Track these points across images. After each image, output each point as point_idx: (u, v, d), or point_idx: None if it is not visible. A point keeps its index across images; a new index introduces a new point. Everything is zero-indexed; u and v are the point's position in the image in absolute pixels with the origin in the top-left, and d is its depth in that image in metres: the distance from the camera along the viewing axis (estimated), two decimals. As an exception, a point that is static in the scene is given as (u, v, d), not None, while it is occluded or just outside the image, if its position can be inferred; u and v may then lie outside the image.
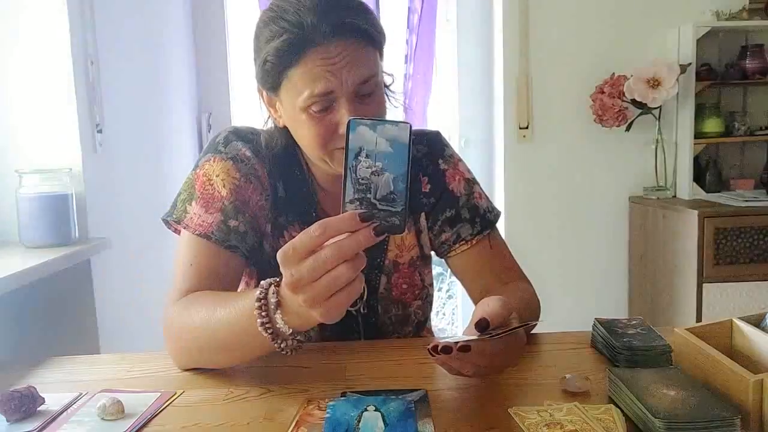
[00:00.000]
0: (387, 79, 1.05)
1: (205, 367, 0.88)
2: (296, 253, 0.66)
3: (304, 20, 0.88)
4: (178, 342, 0.89)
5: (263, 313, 0.74)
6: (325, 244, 0.66)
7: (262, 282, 0.75)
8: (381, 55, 0.99)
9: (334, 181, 1.05)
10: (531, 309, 1.02)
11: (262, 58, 0.94)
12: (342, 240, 0.65)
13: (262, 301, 0.74)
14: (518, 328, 0.77)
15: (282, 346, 0.75)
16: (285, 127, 1.00)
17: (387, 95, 1.06)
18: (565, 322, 1.27)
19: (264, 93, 1.00)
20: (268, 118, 1.05)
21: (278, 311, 0.73)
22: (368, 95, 0.93)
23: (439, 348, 0.74)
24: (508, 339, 0.76)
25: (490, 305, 0.78)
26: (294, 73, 0.91)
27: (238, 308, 0.78)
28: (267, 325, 0.74)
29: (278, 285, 0.74)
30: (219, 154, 1.00)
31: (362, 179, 0.66)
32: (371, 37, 0.93)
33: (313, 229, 0.65)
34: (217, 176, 0.98)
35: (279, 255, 0.67)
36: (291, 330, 0.74)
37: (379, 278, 1.07)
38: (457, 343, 0.73)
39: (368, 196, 0.66)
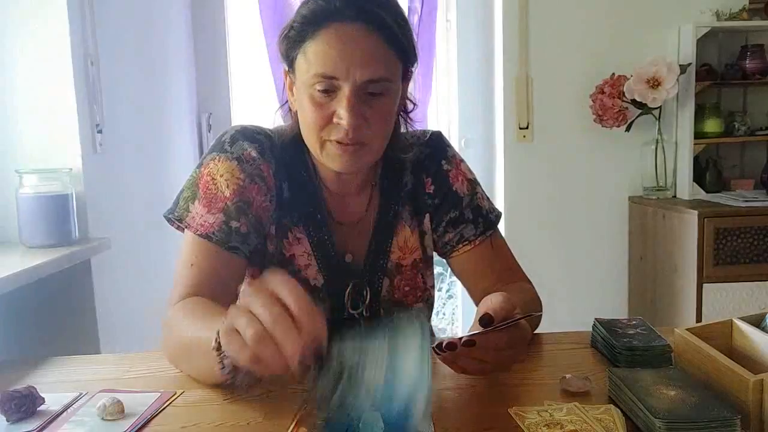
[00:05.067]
0: (408, 105, 1.05)
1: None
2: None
3: None
4: (166, 348, 0.90)
5: (221, 365, 0.72)
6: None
7: (218, 329, 0.71)
8: (406, 73, 0.99)
9: (339, 181, 1.05)
10: (533, 308, 1.02)
11: (287, 26, 0.95)
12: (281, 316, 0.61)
13: (220, 359, 0.71)
14: (521, 318, 0.77)
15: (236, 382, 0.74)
16: (296, 114, 1.00)
17: (405, 120, 1.06)
18: (565, 322, 1.27)
19: (287, 75, 1.01)
20: (279, 108, 1.06)
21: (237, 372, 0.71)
22: (376, 97, 0.92)
23: (444, 345, 0.74)
24: (512, 333, 0.77)
25: (493, 301, 0.79)
26: (310, 45, 0.91)
27: (204, 347, 0.74)
28: (230, 378, 0.73)
29: None
30: (224, 154, 0.99)
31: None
32: (398, 42, 0.93)
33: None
34: (221, 176, 0.98)
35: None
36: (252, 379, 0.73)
37: (382, 281, 1.07)
38: (461, 338, 0.73)
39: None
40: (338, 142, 0.93)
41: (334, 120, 0.92)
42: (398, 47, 0.94)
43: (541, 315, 1.04)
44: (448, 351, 0.74)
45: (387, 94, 0.94)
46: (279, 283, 0.63)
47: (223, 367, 0.71)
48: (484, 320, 0.76)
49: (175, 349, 0.87)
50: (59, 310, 1.52)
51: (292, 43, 0.94)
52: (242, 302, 0.63)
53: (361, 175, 1.05)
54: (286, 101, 1.04)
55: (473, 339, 0.73)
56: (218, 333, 0.69)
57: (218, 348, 0.70)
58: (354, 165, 0.97)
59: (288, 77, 1.01)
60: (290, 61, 0.97)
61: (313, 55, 0.91)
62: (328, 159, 0.96)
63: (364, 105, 0.92)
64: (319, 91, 0.91)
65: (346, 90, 0.90)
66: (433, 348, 0.75)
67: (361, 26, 0.90)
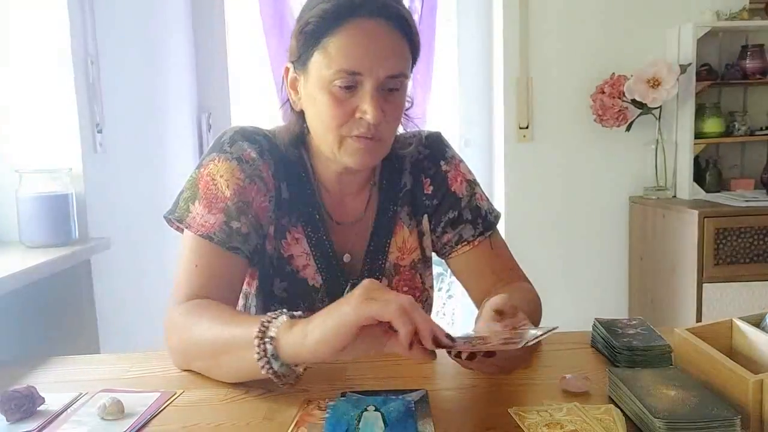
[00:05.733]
0: (406, 103, 1.06)
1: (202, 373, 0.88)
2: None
3: None
4: (176, 346, 0.89)
5: (262, 353, 0.75)
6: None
7: (261, 319, 0.76)
8: (411, 69, 1.00)
9: (339, 182, 1.05)
10: (533, 309, 1.02)
11: (303, 21, 0.94)
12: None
13: (261, 346, 0.75)
14: (544, 336, 0.77)
15: (282, 383, 0.77)
16: (301, 113, 1.00)
17: (404, 118, 1.07)
18: (565, 322, 1.27)
19: (289, 72, 1.00)
20: (283, 104, 1.05)
21: (276, 359, 0.75)
22: (392, 93, 0.94)
23: (463, 357, 0.76)
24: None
25: (497, 303, 0.81)
26: (331, 41, 0.91)
27: (239, 340, 0.78)
28: (267, 367, 0.75)
29: (270, 323, 0.76)
30: (224, 154, 0.99)
31: None
32: (412, 38, 0.95)
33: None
34: (221, 176, 0.98)
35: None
36: (289, 370, 0.76)
37: (380, 281, 1.07)
38: (479, 348, 0.74)
39: None
40: (359, 137, 0.93)
41: (357, 115, 0.92)
42: (412, 43, 0.95)
43: (541, 317, 1.04)
44: (468, 360, 0.77)
45: (402, 89, 0.95)
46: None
47: (264, 356, 0.75)
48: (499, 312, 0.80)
49: (193, 347, 0.86)
50: (59, 310, 1.51)
51: (309, 39, 0.93)
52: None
53: (361, 175, 1.05)
54: (287, 100, 1.03)
55: (494, 351, 0.75)
56: (260, 325, 0.75)
57: (261, 337, 0.75)
58: (372, 160, 0.98)
59: (292, 74, 0.99)
60: (304, 59, 0.95)
61: (336, 51, 0.91)
62: (346, 155, 0.96)
63: (383, 100, 0.92)
64: (340, 87, 0.91)
65: (368, 86, 0.91)
66: (450, 356, 0.78)
67: (382, 22, 0.91)
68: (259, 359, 0.75)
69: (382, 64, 0.90)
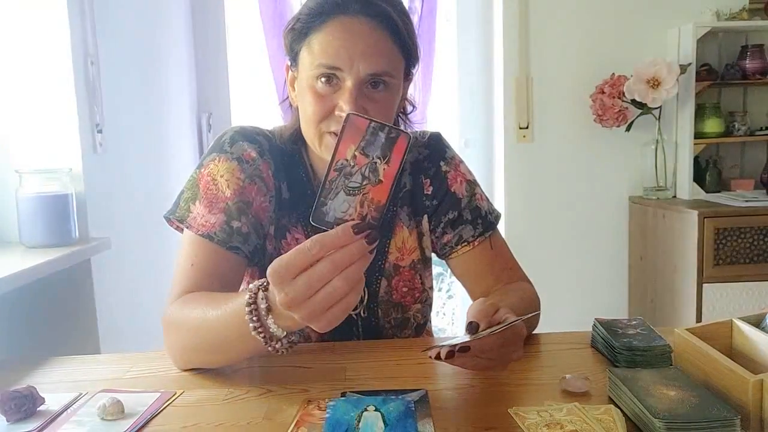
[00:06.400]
0: (407, 107, 1.05)
1: (201, 366, 0.88)
2: (289, 271, 0.65)
3: None
4: (174, 342, 0.89)
5: (254, 318, 0.73)
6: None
7: (250, 285, 0.74)
8: (407, 73, 1.00)
9: None
10: (531, 308, 1.02)
11: (294, 19, 0.96)
12: (335, 254, 0.64)
13: (252, 306, 0.73)
14: (514, 322, 0.78)
15: (277, 347, 0.75)
16: (297, 110, 1.01)
17: (404, 122, 1.07)
18: (565, 322, 1.28)
19: (289, 70, 1.01)
20: (280, 103, 1.07)
21: (269, 316, 0.72)
22: (378, 92, 0.93)
23: (442, 356, 0.75)
24: (506, 332, 0.77)
25: (474, 307, 0.80)
26: (315, 38, 0.93)
27: (229, 311, 0.78)
28: (259, 330, 0.73)
29: (266, 289, 0.73)
30: (224, 154, 1.00)
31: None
32: (402, 39, 0.94)
33: (309, 246, 0.64)
34: (221, 176, 0.98)
35: (270, 273, 0.65)
36: (285, 333, 0.74)
37: (380, 281, 1.07)
38: (455, 345, 0.74)
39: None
40: (336, 135, 0.93)
41: (336, 112, 0.93)
42: (402, 44, 0.95)
43: (538, 314, 1.04)
44: (447, 359, 0.75)
45: (388, 89, 0.94)
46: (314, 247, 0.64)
47: (261, 333, 0.73)
48: (472, 327, 0.77)
49: (187, 336, 0.86)
50: (59, 310, 1.51)
51: (297, 35, 0.95)
52: (281, 272, 0.65)
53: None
54: (287, 97, 1.05)
55: (468, 345, 0.74)
56: (250, 299, 0.73)
57: (251, 313, 0.72)
58: None
59: (290, 72, 1.01)
60: (294, 55, 0.97)
61: (318, 46, 0.92)
62: (326, 151, 0.96)
63: (365, 98, 0.92)
64: (321, 82, 0.92)
65: (348, 83, 0.91)
66: (429, 357, 0.77)
67: (367, 20, 0.91)
68: (252, 323, 0.73)
69: (363, 61, 0.90)
